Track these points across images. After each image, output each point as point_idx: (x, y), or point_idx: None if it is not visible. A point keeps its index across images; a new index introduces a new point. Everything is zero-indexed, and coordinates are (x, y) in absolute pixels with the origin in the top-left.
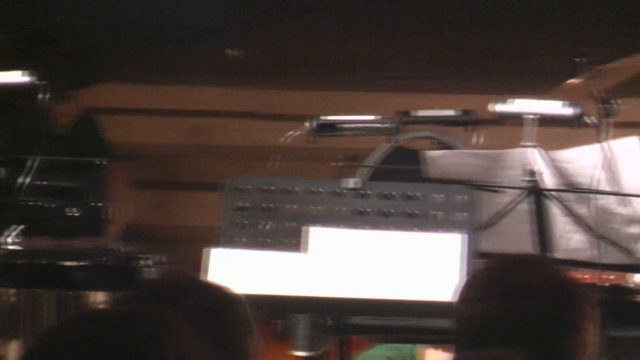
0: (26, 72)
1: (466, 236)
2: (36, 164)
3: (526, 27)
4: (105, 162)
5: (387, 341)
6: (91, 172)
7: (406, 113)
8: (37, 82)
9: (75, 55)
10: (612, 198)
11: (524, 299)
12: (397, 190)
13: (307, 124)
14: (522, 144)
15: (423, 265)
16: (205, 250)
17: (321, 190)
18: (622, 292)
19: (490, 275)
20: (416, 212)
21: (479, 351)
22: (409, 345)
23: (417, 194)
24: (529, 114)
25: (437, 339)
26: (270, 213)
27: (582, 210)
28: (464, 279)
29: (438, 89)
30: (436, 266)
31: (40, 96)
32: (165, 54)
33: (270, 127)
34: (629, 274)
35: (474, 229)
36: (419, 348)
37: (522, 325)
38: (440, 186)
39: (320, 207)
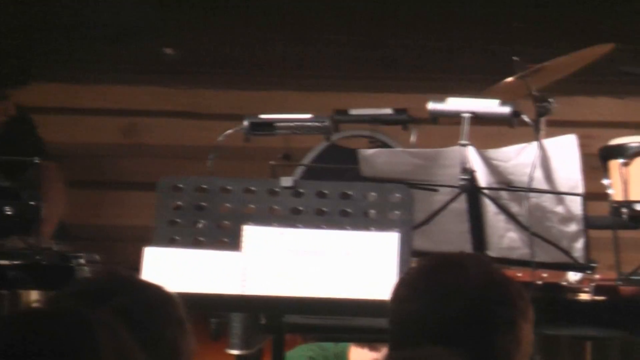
0: None
1: (401, 235)
2: None
3: (463, 26)
4: (39, 162)
5: (321, 340)
6: (25, 171)
7: (342, 112)
8: None
9: (8, 54)
10: (547, 196)
11: (458, 298)
12: (332, 189)
13: (242, 123)
14: (458, 142)
15: (358, 264)
16: (140, 249)
17: (256, 189)
18: (556, 290)
19: (424, 273)
20: (351, 210)
21: (413, 350)
22: (332, 344)
23: (352, 193)
24: (465, 112)
25: (372, 338)
26: (205, 212)
27: (517, 208)
28: (399, 277)
29: (374, 87)
30: (371, 265)
31: None
32: (99, 53)
33: (205, 126)
34: (563, 272)
35: (409, 227)
36: (351, 346)
37: (457, 324)
38: (376, 185)
39: (255, 206)
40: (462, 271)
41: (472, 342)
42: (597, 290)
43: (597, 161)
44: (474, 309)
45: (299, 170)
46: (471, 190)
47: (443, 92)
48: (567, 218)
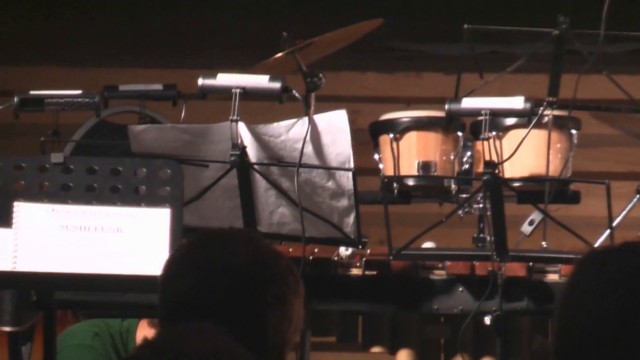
0: None
1: (172, 210)
2: None
3: (230, 1)
4: None
5: (93, 316)
6: None
7: (111, 88)
8: None
9: None
10: (318, 172)
11: (227, 274)
12: (102, 165)
13: (11, 100)
14: (229, 118)
15: (130, 240)
16: None
17: (26, 165)
18: (327, 265)
19: (193, 250)
20: (122, 186)
21: (181, 326)
22: (118, 321)
23: (122, 169)
24: (235, 88)
25: (143, 314)
26: None
27: (287, 184)
28: (169, 254)
29: (144, 63)
30: (143, 241)
31: None
32: None
33: None
34: (334, 247)
35: (180, 203)
36: (140, 322)
37: (226, 301)
38: (145, 161)
39: (25, 183)
40: (231, 247)
41: (242, 319)
42: (368, 265)
43: (366, 136)
44: (243, 285)
45: (69, 147)
46: (241, 166)
47: (213, 67)
48: (338, 193)
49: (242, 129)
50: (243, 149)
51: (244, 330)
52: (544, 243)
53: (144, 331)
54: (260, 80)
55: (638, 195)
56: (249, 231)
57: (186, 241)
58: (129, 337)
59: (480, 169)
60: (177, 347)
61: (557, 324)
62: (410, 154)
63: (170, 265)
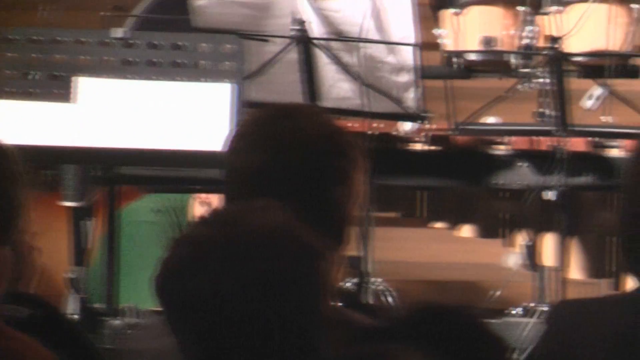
0: None
1: (235, 86)
2: None
3: None
4: None
5: (156, 191)
6: None
7: None
8: None
9: None
10: (379, 47)
11: (292, 149)
12: (164, 40)
13: None
14: None
15: (192, 115)
16: None
17: (88, 40)
18: (389, 140)
19: (258, 125)
20: (184, 61)
21: (243, 202)
22: (177, 195)
23: (185, 44)
24: None
25: (207, 189)
26: (38, 63)
27: (350, 59)
28: (234, 128)
29: None
30: (205, 116)
31: None
32: None
33: None
34: (398, 122)
35: (243, 78)
36: (192, 198)
37: (290, 176)
38: (208, 36)
39: (87, 58)
40: (296, 122)
41: (305, 194)
42: (432, 140)
43: (427, 11)
44: (308, 160)
45: (131, 22)
46: (303, 40)
47: None
48: (399, 68)
49: (304, 3)
50: (304, 23)
51: (306, 206)
52: (603, 117)
53: (197, 209)
54: None
55: None
56: (312, 106)
57: (252, 116)
58: (185, 214)
59: (541, 43)
60: (234, 223)
61: (624, 200)
62: (472, 28)
63: (235, 140)
